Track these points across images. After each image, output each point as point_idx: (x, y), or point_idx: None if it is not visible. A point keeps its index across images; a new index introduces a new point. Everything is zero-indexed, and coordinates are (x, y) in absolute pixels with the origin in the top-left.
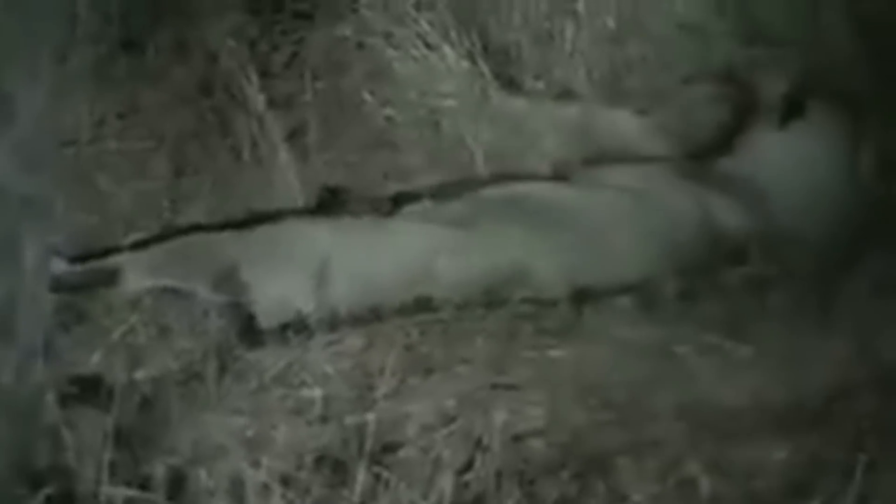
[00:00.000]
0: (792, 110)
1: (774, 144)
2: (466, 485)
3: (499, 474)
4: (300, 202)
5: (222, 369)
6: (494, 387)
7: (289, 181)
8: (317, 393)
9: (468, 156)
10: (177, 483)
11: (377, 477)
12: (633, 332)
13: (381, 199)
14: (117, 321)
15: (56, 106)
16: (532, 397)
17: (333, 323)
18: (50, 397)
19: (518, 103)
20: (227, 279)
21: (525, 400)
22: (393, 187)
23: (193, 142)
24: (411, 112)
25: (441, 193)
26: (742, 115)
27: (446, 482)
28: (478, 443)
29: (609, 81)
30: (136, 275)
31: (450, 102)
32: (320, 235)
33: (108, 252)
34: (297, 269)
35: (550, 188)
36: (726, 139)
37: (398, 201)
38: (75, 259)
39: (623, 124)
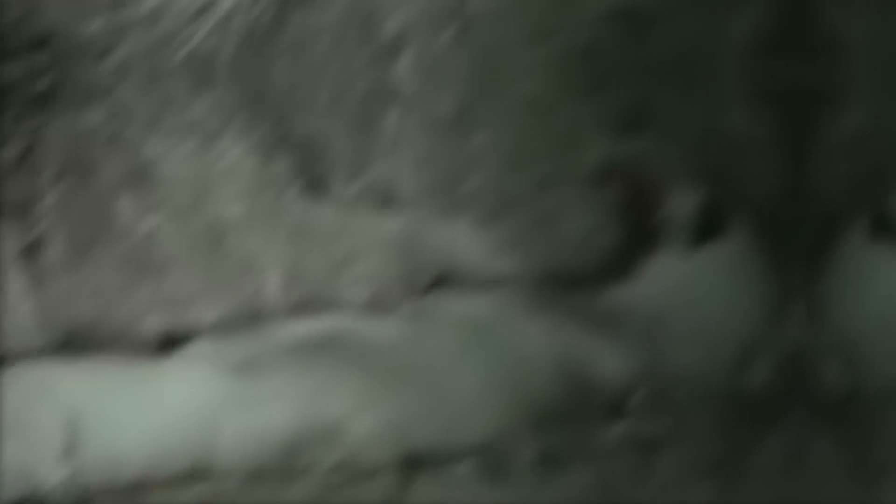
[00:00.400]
0: (708, 228)
1: (678, 269)
2: None
3: None
4: (37, 340)
5: None
6: None
7: (22, 312)
8: None
9: (259, 281)
10: None
11: None
12: None
13: (144, 337)
14: None
15: None
16: None
17: (85, 501)
18: None
19: (325, 213)
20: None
21: None
22: (160, 322)
23: None
24: (182, 223)
25: (224, 330)
26: (631, 227)
27: None
28: None
29: (444, 182)
30: None
31: (235, 211)
32: (66, 385)
33: None
34: (37, 430)
35: (368, 323)
36: (608, 259)
37: (169, 341)
38: None
39: (461, 240)
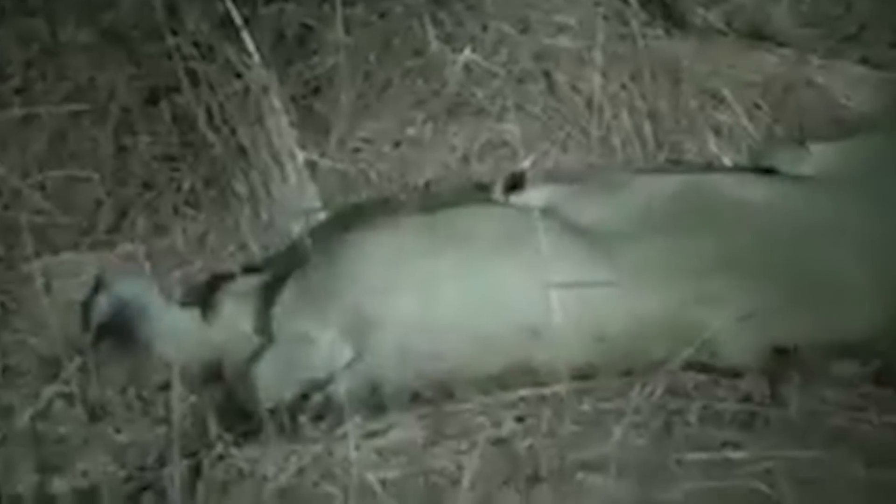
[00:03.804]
0: None
1: None
2: None
3: None
4: (314, 197)
5: (195, 477)
6: None
7: (298, 168)
8: None
9: (602, 127)
10: None
11: None
12: None
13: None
14: (24, 396)
15: None
16: None
17: (376, 402)
18: None
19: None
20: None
21: None
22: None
23: (149, 108)
24: (507, 56)
25: (562, 186)
26: None
27: None
28: None
29: None
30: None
31: (565, 42)
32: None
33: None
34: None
35: (743, 180)
36: None
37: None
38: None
39: None
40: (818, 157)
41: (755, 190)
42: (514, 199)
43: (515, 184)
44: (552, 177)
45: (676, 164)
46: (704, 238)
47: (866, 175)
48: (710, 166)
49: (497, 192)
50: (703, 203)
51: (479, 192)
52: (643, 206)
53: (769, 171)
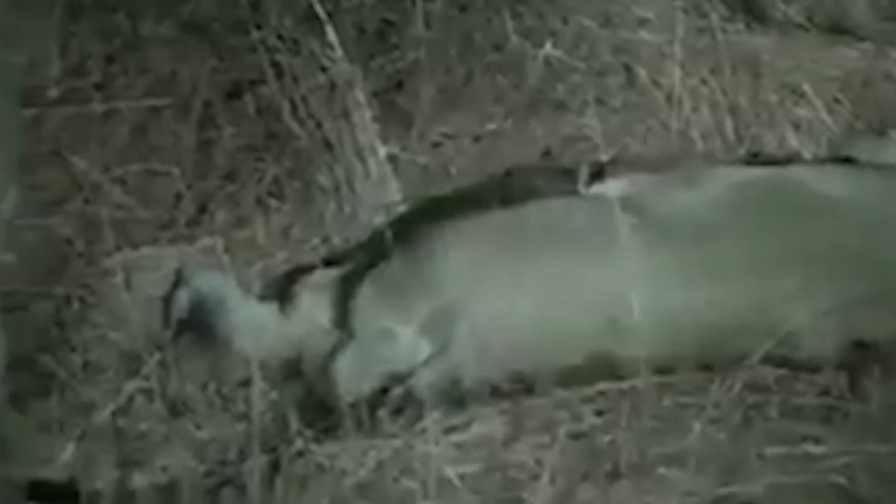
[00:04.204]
0: None
1: None
2: None
3: None
4: (396, 191)
5: (274, 472)
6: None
7: (380, 162)
8: None
9: (682, 121)
10: None
11: None
12: None
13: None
14: (104, 391)
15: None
16: None
17: (456, 396)
18: None
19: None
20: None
21: None
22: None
23: (232, 101)
24: (587, 50)
25: (642, 177)
26: None
27: None
28: None
29: None
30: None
31: (645, 36)
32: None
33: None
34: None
35: (828, 174)
36: None
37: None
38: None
39: None
40: None
41: (836, 182)
42: (595, 189)
43: (598, 173)
44: (633, 167)
45: (756, 157)
46: (785, 231)
47: None
48: (790, 160)
49: (581, 182)
50: (783, 196)
51: (561, 181)
52: (724, 199)
53: (849, 162)
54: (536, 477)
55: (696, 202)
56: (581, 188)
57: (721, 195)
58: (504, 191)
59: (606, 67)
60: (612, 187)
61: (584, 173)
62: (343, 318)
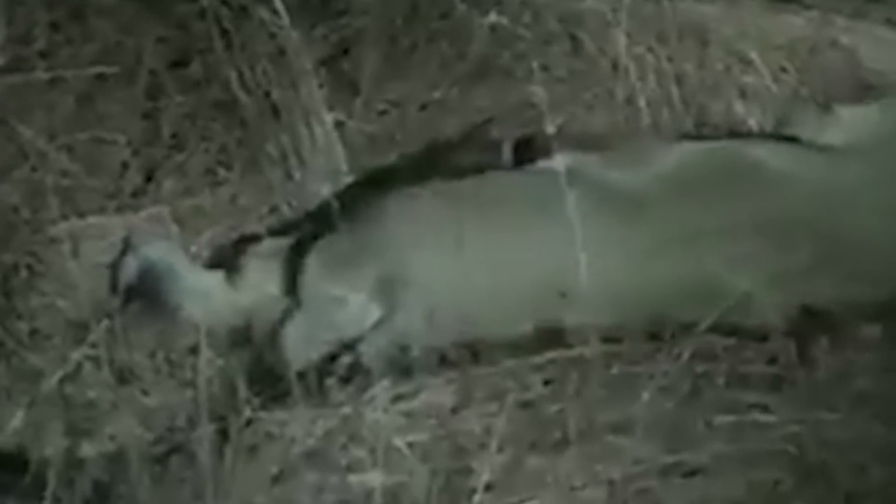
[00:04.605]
0: None
1: None
2: None
3: None
4: (342, 159)
5: (223, 440)
6: (667, 472)
7: (327, 130)
8: (377, 480)
9: (628, 89)
10: None
11: None
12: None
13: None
14: (51, 359)
15: None
16: (725, 489)
17: (404, 364)
18: None
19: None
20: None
21: (716, 494)
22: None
23: (178, 70)
24: (532, 18)
25: (587, 147)
26: None
27: None
28: None
29: None
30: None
31: (591, 4)
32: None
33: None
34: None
35: (773, 149)
36: None
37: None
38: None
39: None
40: (843, 120)
41: (780, 157)
42: (542, 163)
43: (524, 147)
44: (578, 142)
45: (702, 128)
46: (731, 203)
47: (891, 139)
48: (735, 133)
49: (505, 156)
50: (729, 169)
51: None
52: (670, 173)
53: (793, 140)
54: (485, 446)
55: (642, 176)
56: (507, 162)
57: (666, 169)
58: (451, 161)
59: (552, 35)
60: (558, 161)
61: (507, 149)
62: (291, 287)
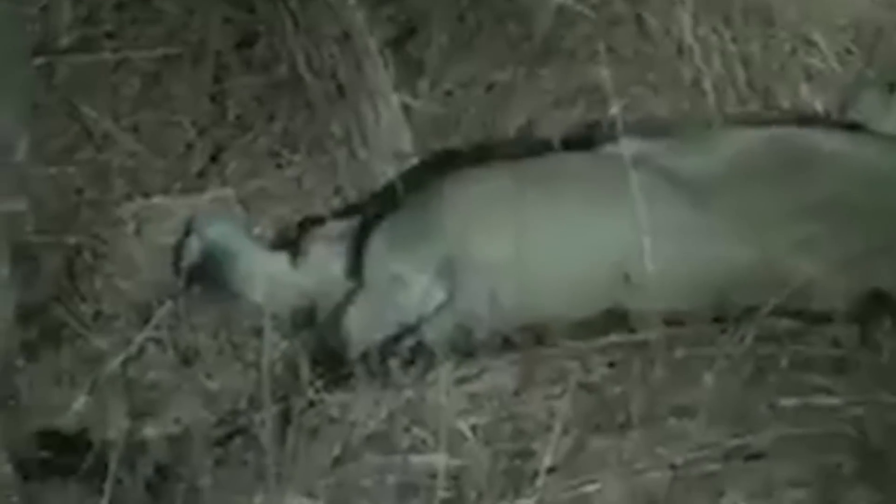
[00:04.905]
0: None
1: None
2: None
3: None
4: (408, 141)
5: (285, 422)
6: (730, 455)
7: (393, 111)
8: (440, 462)
9: (693, 70)
10: None
11: None
12: None
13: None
14: (115, 341)
15: None
16: (788, 472)
17: (467, 346)
18: (6, 467)
19: None
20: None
21: (779, 477)
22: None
23: (244, 51)
24: (599, 0)
25: (654, 129)
26: None
27: None
28: None
29: None
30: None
31: None
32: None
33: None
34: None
35: (835, 136)
36: None
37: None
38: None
39: None
40: None
41: (841, 142)
42: (608, 148)
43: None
44: (644, 128)
45: (768, 110)
46: (793, 188)
47: None
48: (801, 117)
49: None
50: (793, 154)
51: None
52: (734, 158)
53: (856, 126)
54: (548, 428)
55: (707, 161)
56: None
57: (730, 154)
58: (516, 145)
59: (617, 17)
60: (624, 146)
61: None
62: (355, 268)
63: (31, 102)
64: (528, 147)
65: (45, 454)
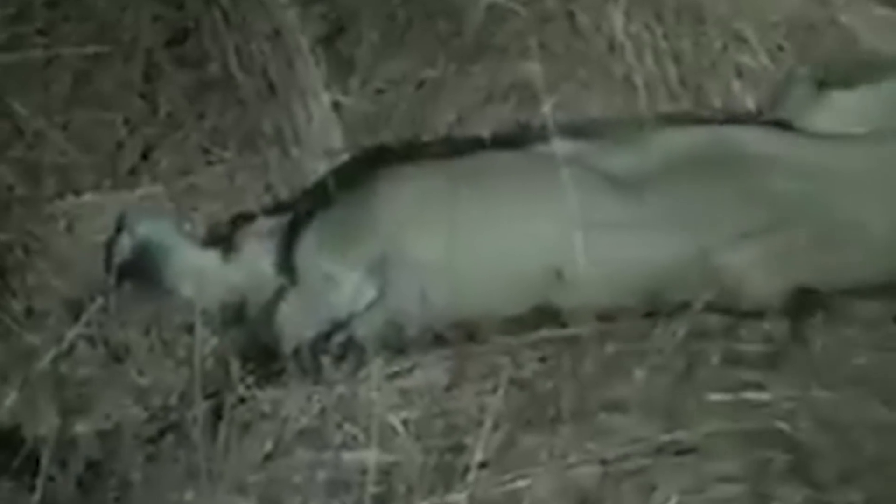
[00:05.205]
0: None
1: None
2: None
3: None
4: (339, 138)
5: (217, 418)
6: (661, 450)
7: (324, 109)
8: (371, 458)
9: (625, 67)
10: None
11: None
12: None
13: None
14: (46, 338)
15: None
16: (720, 467)
17: (398, 342)
18: None
19: None
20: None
21: (710, 472)
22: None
23: (174, 48)
24: None
25: (584, 128)
26: None
27: None
28: None
29: None
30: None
31: None
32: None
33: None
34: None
35: (765, 134)
36: None
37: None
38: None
39: None
40: (837, 102)
41: (772, 140)
42: (540, 147)
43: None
44: (576, 128)
45: (699, 107)
46: (728, 185)
47: (887, 122)
48: (730, 119)
49: None
50: (725, 153)
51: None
52: (666, 156)
53: (785, 125)
54: (479, 423)
55: (639, 159)
56: None
57: (662, 152)
58: (447, 142)
59: (549, 13)
60: (557, 145)
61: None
62: (286, 265)
63: None
64: (460, 144)
65: None
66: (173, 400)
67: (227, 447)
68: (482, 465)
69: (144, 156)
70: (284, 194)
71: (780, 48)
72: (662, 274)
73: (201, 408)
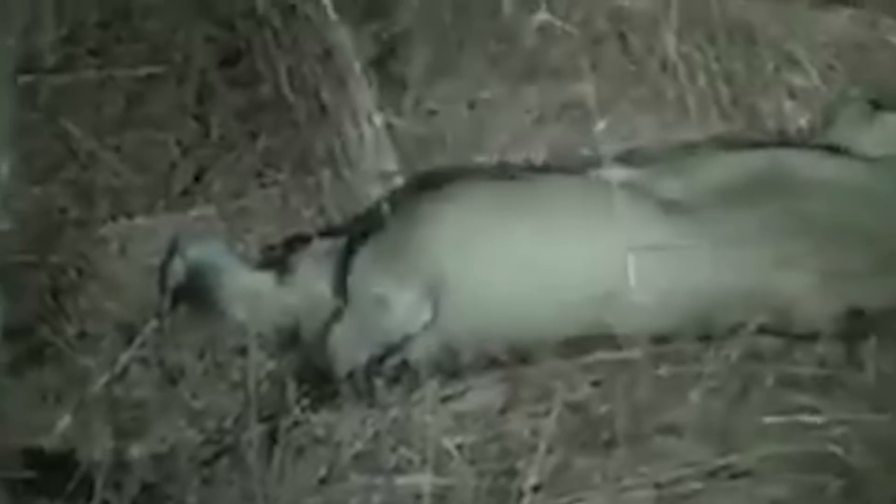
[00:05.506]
0: None
1: None
2: None
3: None
4: (392, 160)
5: (272, 441)
6: (714, 474)
7: (377, 130)
8: (426, 482)
9: (677, 88)
10: None
11: None
12: None
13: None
14: (100, 361)
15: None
16: (773, 491)
17: (452, 366)
18: None
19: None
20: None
21: (763, 496)
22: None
23: (227, 69)
24: (581, 17)
25: (637, 155)
26: None
27: None
28: None
29: None
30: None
31: (640, 3)
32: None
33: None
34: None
35: (817, 158)
36: None
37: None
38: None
39: None
40: (888, 126)
41: (825, 164)
42: (594, 173)
43: None
44: (630, 156)
45: (752, 128)
46: (780, 208)
47: None
48: (783, 141)
49: None
50: (778, 177)
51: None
52: (719, 181)
53: (836, 148)
54: (533, 447)
55: (691, 184)
56: None
57: (714, 177)
58: (500, 165)
59: (601, 34)
60: (610, 170)
61: None
62: (340, 287)
63: (15, 122)
64: (512, 167)
65: (30, 474)
66: (228, 423)
67: (281, 471)
68: (536, 489)
69: (197, 178)
70: (337, 216)
71: (832, 68)
72: (716, 297)
73: (256, 431)
